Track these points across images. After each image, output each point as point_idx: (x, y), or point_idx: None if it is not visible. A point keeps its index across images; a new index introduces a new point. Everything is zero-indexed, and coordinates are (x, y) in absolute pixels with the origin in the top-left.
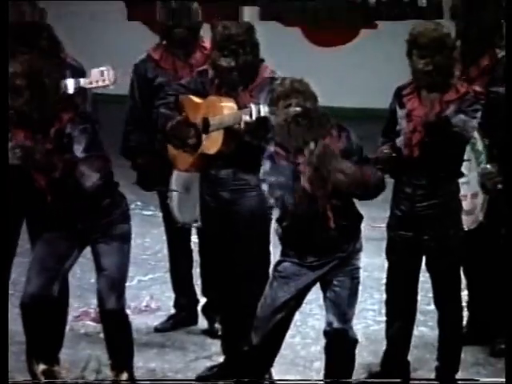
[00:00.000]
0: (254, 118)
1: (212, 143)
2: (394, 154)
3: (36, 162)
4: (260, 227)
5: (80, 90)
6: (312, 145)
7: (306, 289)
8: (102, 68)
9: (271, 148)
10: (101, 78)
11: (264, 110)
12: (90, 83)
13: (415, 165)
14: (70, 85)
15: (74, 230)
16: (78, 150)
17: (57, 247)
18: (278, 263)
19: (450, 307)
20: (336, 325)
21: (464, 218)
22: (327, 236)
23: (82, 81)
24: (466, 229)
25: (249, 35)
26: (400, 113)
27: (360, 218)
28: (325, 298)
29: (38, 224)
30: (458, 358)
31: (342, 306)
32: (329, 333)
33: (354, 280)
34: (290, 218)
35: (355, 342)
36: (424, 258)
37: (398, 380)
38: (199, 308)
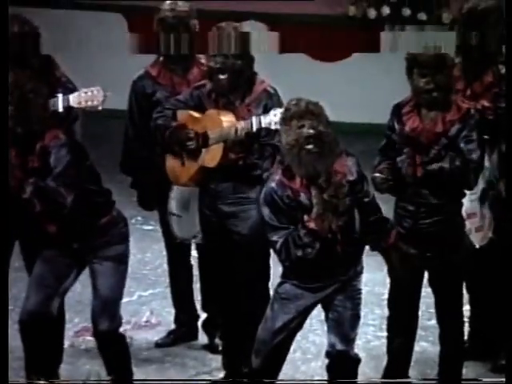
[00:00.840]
0: (255, 129)
1: (212, 157)
2: (389, 177)
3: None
4: (260, 241)
5: (70, 110)
6: (322, 180)
7: (307, 311)
8: (91, 88)
9: (276, 176)
10: (90, 98)
11: (264, 121)
12: (79, 103)
13: (419, 184)
14: (60, 102)
15: (71, 249)
16: (52, 173)
17: (56, 265)
18: (279, 285)
19: (451, 323)
20: (339, 347)
21: (475, 234)
22: (331, 262)
23: (72, 99)
24: (478, 246)
25: (240, 40)
26: (400, 131)
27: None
28: (327, 318)
29: (33, 242)
30: (460, 374)
31: (344, 328)
32: (331, 354)
33: (356, 301)
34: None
35: (358, 361)
36: (427, 275)
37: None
38: (199, 323)
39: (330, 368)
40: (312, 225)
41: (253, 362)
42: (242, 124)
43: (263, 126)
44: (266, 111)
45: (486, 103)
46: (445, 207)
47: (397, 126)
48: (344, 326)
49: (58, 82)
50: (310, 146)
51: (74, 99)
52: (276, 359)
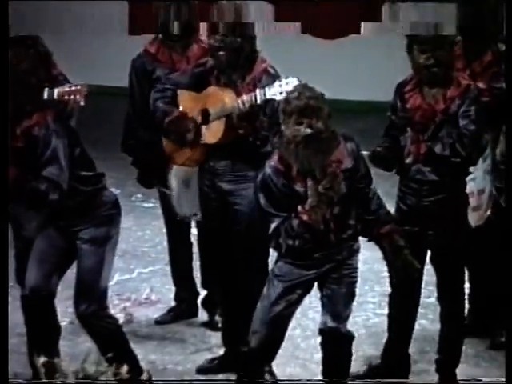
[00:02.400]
0: (259, 101)
1: (213, 133)
2: (384, 153)
3: None
4: (259, 218)
5: (66, 106)
6: (318, 171)
7: (303, 289)
8: (77, 83)
9: (272, 162)
10: (73, 92)
11: (269, 93)
12: (62, 95)
13: (422, 161)
14: (45, 94)
15: (60, 228)
16: (39, 159)
17: (53, 242)
18: (275, 263)
19: (452, 301)
20: (331, 324)
21: (471, 214)
22: (324, 248)
23: (56, 92)
24: (474, 225)
25: (238, 18)
26: (402, 109)
27: (358, 222)
28: (321, 296)
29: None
30: (459, 352)
31: (337, 305)
32: (323, 331)
33: (351, 279)
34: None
35: (351, 338)
36: (429, 253)
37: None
38: (199, 301)
39: (323, 345)
40: (305, 217)
41: (251, 342)
42: (245, 97)
43: (268, 97)
44: None
45: (481, 85)
46: (448, 185)
47: (399, 105)
48: (337, 303)
49: (55, 80)
50: (306, 145)
51: (58, 92)
52: (273, 338)
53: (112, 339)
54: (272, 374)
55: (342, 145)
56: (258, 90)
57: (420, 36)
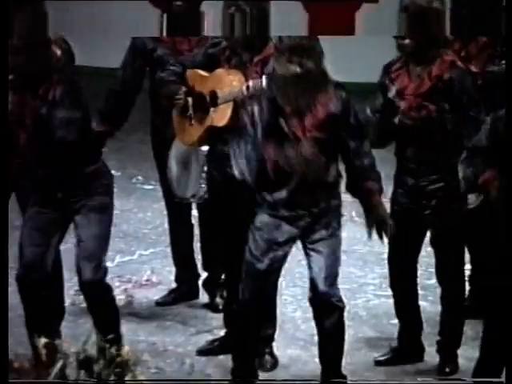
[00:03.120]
0: (264, 85)
1: (221, 116)
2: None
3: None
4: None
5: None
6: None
7: (286, 243)
8: None
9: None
10: None
11: None
12: None
13: (418, 141)
14: None
15: (56, 201)
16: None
17: (42, 221)
18: (255, 217)
19: (452, 283)
20: (321, 288)
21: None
22: (300, 193)
23: None
24: (472, 206)
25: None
26: (391, 89)
27: (339, 177)
28: (307, 259)
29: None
30: (460, 334)
31: (324, 267)
32: (311, 299)
33: (334, 238)
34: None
35: (340, 308)
36: (428, 234)
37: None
38: (200, 282)
39: (315, 316)
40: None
41: (241, 296)
42: (251, 83)
43: None
44: None
45: (474, 68)
46: (445, 164)
47: (388, 84)
48: (323, 265)
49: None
50: (295, 83)
51: None
52: (262, 291)
53: (109, 309)
54: (272, 355)
55: (331, 89)
56: (264, 77)
57: (410, 9)
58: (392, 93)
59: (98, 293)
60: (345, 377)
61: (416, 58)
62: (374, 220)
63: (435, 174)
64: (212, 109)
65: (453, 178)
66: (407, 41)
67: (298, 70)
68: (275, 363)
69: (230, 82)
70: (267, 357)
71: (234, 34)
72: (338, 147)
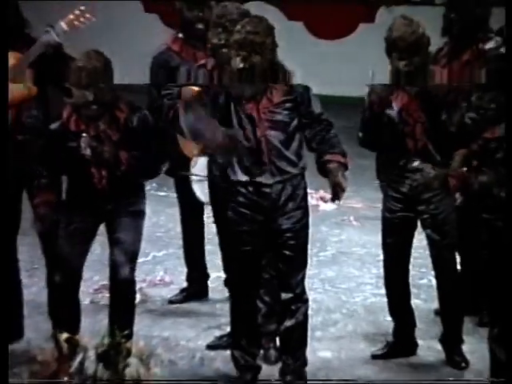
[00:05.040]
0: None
1: None
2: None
3: (104, 159)
4: None
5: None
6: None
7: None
8: (75, 10)
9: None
10: (80, 15)
11: None
12: (72, 22)
13: (416, 153)
14: (53, 35)
15: (101, 210)
16: (143, 144)
17: (82, 232)
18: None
19: (448, 280)
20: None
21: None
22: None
23: (63, 24)
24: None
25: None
26: (389, 110)
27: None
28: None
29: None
30: (460, 328)
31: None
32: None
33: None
34: None
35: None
36: (423, 235)
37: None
38: (212, 282)
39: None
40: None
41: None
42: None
43: None
44: None
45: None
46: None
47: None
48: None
49: (30, 38)
50: (239, 77)
51: (66, 23)
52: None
53: (132, 308)
54: (276, 349)
55: (288, 77)
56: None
57: (399, 44)
58: (394, 111)
59: (129, 291)
60: None
61: (411, 84)
62: (331, 184)
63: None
64: None
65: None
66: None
67: (241, 65)
68: (279, 357)
69: None
70: (271, 351)
71: None
72: (302, 134)
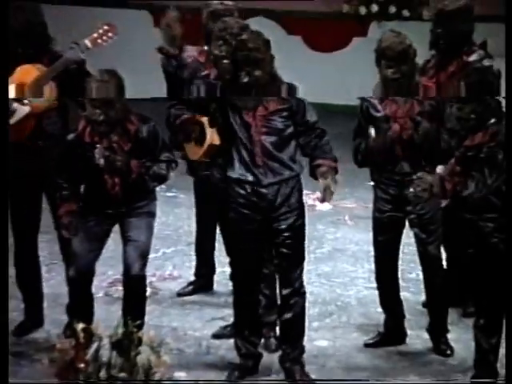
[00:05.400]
0: None
1: (217, 135)
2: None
3: (117, 168)
4: None
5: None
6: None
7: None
8: (99, 27)
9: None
10: (105, 33)
11: None
12: (96, 41)
13: (405, 158)
14: (78, 52)
15: (113, 214)
16: (153, 152)
17: (96, 231)
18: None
19: (435, 274)
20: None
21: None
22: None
23: (88, 42)
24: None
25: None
26: (378, 116)
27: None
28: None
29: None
30: (445, 319)
31: (288, 270)
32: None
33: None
34: None
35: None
36: (411, 233)
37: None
38: (218, 275)
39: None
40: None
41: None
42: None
43: None
44: None
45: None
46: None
47: (373, 112)
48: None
49: (56, 54)
50: (245, 90)
51: (90, 41)
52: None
53: (144, 302)
54: (276, 338)
55: (284, 88)
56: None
57: (387, 52)
58: (379, 118)
59: (140, 285)
60: None
61: (398, 90)
62: (321, 186)
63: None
64: (211, 130)
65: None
66: (393, 76)
67: (246, 79)
68: (279, 345)
69: None
70: (272, 339)
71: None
72: (289, 135)
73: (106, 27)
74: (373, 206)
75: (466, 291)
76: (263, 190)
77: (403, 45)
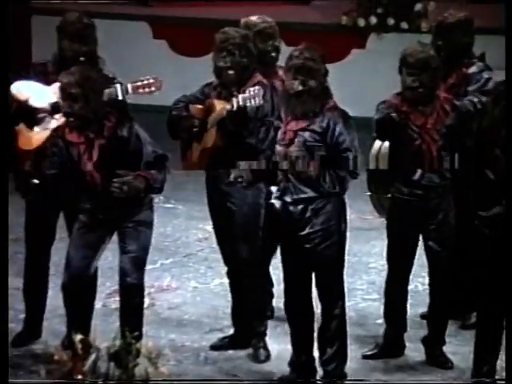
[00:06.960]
0: (235, 107)
1: (209, 138)
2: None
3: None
4: (253, 218)
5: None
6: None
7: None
8: (147, 77)
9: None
10: (147, 85)
11: (243, 97)
12: (137, 89)
13: (431, 165)
14: (119, 91)
15: (109, 219)
16: (144, 151)
17: (92, 236)
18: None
19: (444, 288)
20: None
21: None
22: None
23: (130, 87)
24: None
25: (244, 41)
26: (406, 126)
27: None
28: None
29: (74, 214)
30: (444, 331)
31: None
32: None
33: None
34: None
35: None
36: (426, 246)
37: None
38: (222, 287)
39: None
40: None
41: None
42: (227, 105)
43: (243, 103)
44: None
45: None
46: (443, 189)
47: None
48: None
49: (107, 79)
50: (297, 98)
51: (132, 86)
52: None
53: (141, 312)
54: (266, 348)
55: (331, 103)
56: (234, 98)
57: (408, 59)
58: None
59: (136, 295)
60: None
61: (416, 100)
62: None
63: (438, 197)
64: (205, 134)
65: (448, 198)
66: (413, 85)
67: (301, 88)
68: (268, 356)
69: (215, 109)
70: (261, 350)
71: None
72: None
73: (152, 80)
74: (388, 219)
75: (468, 303)
76: (290, 207)
77: (424, 53)
